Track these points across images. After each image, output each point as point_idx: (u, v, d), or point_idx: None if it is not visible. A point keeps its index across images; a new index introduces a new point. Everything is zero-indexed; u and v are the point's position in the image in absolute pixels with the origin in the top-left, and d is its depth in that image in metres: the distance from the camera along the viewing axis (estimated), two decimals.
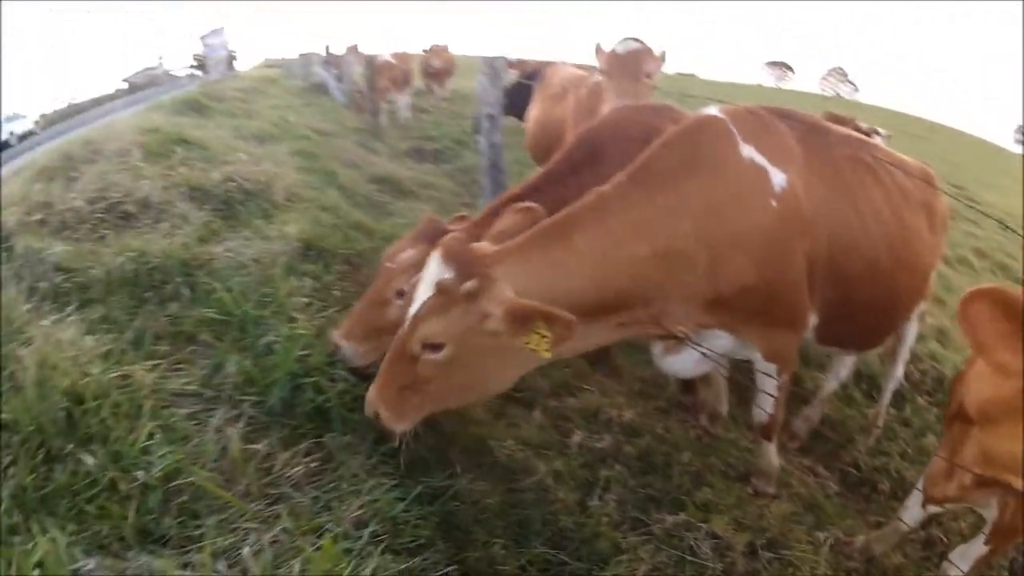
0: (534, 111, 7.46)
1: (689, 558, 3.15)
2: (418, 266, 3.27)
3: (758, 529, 3.39)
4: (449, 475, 3.29)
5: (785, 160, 3.15)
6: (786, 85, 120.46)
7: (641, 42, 5.25)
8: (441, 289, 2.74)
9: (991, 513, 3.01)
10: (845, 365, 4.63)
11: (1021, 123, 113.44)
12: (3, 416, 3.03)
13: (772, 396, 3.47)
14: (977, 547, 3.13)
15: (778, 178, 3.08)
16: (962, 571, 3.15)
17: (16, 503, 2.68)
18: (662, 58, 5.24)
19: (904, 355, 4.56)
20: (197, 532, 2.73)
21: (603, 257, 2.86)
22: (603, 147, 3.89)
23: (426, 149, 12.90)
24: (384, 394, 2.88)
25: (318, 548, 2.62)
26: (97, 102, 36.25)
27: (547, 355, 2.72)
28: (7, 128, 29.18)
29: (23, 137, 29.73)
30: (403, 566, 2.64)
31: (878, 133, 12.06)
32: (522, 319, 2.67)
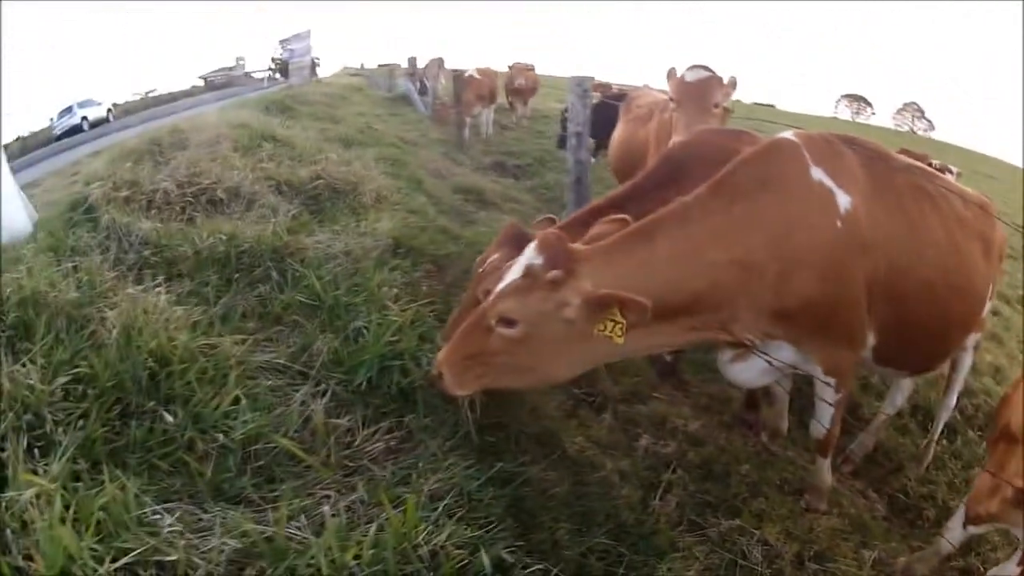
0: (619, 132, 7.58)
1: (740, 562, 3.26)
2: (503, 267, 3.45)
3: (807, 541, 3.48)
4: (521, 463, 3.41)
5: (850, 184, 3.28)
6: (862, 119, 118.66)
7: (710, 70, 5.34)
8: (528, 272, 2.92)
9: None
10: (901, 392, 4.68)
11: None
12: (81, 371, 3.22)
13: (829, 411, 3.57)
14: (1010, 569, 3.23)
15: (844, 200, 3.22)
16: None
17: (82, 453, 2.85)
18: (732, 84, 5.32)
19: (958, 386, 4.59)
20: (272, 494, 2.89)
21: (681, 260, 3.02)
22: (685, 167, 4.01)
23: (508, 164, 13.09)
24: (452, 358, 3.03)
25: (401, 509, 2.72)
26: (173, 97, 36.88)
27: (620, 340, 2.86)
28: (80, 113, 29.81)
29: (95, 124, 30.35)
30: (474, 534, 2.75)
31: (950, 171, 12.16)
32: (599, 304, 2.83)
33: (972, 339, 4.26)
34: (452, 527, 2.72)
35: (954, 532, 3.41)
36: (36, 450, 2.80)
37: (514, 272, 3.01)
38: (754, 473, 3.94)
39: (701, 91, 5.23)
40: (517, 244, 3.54)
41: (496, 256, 3.75)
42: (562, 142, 12.42)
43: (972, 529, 3.31)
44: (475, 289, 3.73)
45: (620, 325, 2.85)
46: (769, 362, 3.33)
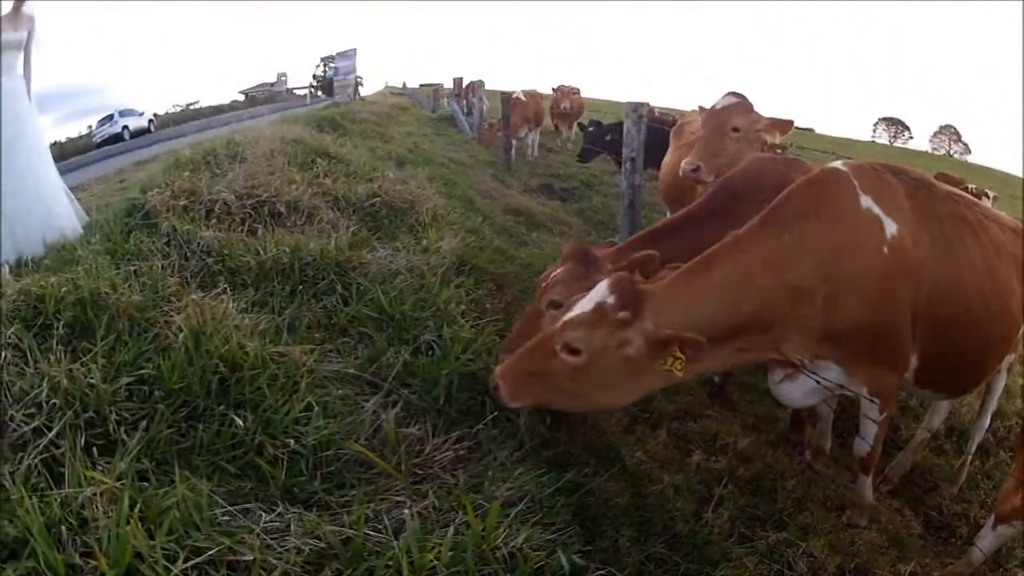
0: (670, 157, 7.70)
1: (787, 572, 3.40)
2: (565, 281, 3.76)
3: (848, 554, 3.60)
4: (584, 474, 3.55)
5: (897, 212, 3.43)
6: (899, 143, 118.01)
7: (739, 96, 5.46)
8: (599, 308, 3.14)
9: None
10: (939, 414, 4.77)
11: None
12: (145, 372, 3.31)
13: (873, 429, 3.71)
14: None
15: (891, 228, 3.37)
16: None
17: (146, 453, 2.94)
18: (779, 125, 5.38)
19: (992, 406, 4.66)
20: (343, 499, 2.99)
21: (735, 286, 3.20)
22: (739, 194, 4.20)
23: (555, 187, 13.33)
24: (511, 372, 3.26)
25: (481, 512, 2.85)
26: (217, 110, 37.24)
27: (680, 374, 3.10)
28: (122, 122, 30.07)
29: (136, 134, 30.60)
30: (548, 537, 2.86)
31: (987, 195, 12.38)
32: (660, 344, 3.06)
33: (1007, 361, 4.35)
34: (528, 531, 2.84)
35: (985, 539, 3.56)
36: (95, 448, 2.88)
37: (586, 305, 3.21)
38: (799, 489, 4.08)
39: (721, 116, 5.38)
40: (581, 261, 3.84)
41: (560, 270, 3.94)
42: (584, 155, 12.57)
43: (1001, 530, 3.45)
44: (539, 301, 3.93)
45: (680, 360, 3.07)
46: (817, 382, 3.48)
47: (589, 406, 3.54)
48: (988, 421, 4.71)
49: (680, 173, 5.42)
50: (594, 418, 4.10)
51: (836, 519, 3.94)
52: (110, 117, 29.71)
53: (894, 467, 4.67)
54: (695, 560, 3.30)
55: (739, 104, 5.40)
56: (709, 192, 4.48)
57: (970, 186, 13.38)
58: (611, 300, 3.15)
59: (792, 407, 4.38)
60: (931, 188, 3.76)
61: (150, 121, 33.18)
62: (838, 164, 3.57)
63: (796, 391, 3.66)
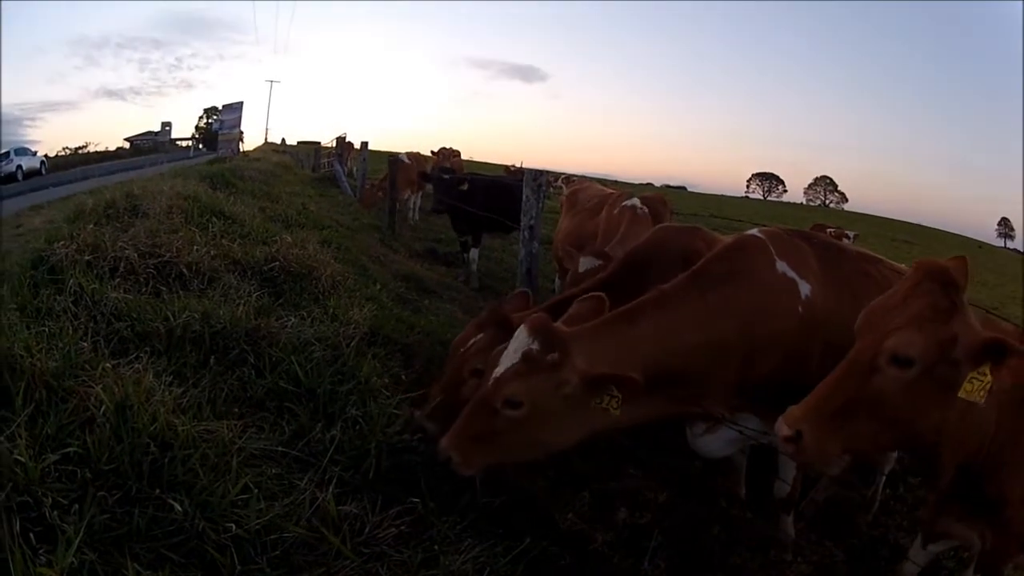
0: (566, 223, 8.15)
1: None
2: (489, 349, 3.82)
3: None
4: (527, 540, 3.55)
5: (809, 274, 3.75)
6: (773, 197, 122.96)
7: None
8: (527, 357, 3.28)
9: (976, 546, 3.44)
10: None
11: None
12: (71, 450, 3.09)
13: (792, 471, 4.04)
14: None
15: (804, 288, 3.69)
16: None
17: (87, 543, 2.73)
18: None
19: None
20: None
21: (661, 339, 3.43)
22: (646, 262, 4.50)
23: (438, 251, 13.47)
24: (458, 442, 3.36)
25: None
26: (102, 156, 36.71)
27: (616, 413, 3.25)
28: (16, 161, 29.53)
29: (28, 175, 30.34)
30: None
31: (847, 236, 13.91)
32: (596, 382, 3.21)
33: None
34: None
35: (918, 555, 3.78)
36: (32, 535, 2.65)
37: (511, 357, 3.34)
38: (723, 534, 4.27)
39: None
40: (502, 327, 3.94)
41: (482, 337, 4.07)
42: (440, 206, 12.57)
43: (931, 547, 3.70)
44: (461, 369, 4.04)
45: (616, 399, 3.22)
46: (741, 431, 3.74)
47: (542, 452, 3.64)
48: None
49: None
50: (521, 484, 4.17)
51: (764, 557, 4.16)
52: (7, 154, 30.32)
53: (807, 504, 4.88)
54: None
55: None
56: (618, 261, 4.77)
57: (829, 228, 14.49)
58: (536, 345, 3.28)
59: (711, 458, 4.52)
60: (837, 249, 4.10)
61: (42, 163, 32.56)
62: (755, 231, 3.86)
63: (715, 443, 3.95)
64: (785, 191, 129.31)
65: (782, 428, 2.97)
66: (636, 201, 7.16)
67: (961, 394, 2.86)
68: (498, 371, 3.38)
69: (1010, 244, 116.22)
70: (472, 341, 4.13)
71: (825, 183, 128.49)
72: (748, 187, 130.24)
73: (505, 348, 3.48)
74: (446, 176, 12.91)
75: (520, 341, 3.39)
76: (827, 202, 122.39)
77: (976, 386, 2.84)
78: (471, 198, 11.21)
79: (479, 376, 3.83)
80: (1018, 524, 3.22)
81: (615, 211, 7.11)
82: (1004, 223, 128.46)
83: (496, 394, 3.32)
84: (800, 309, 3.67)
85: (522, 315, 4.06)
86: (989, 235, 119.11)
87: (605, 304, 3.78)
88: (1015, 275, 35.41)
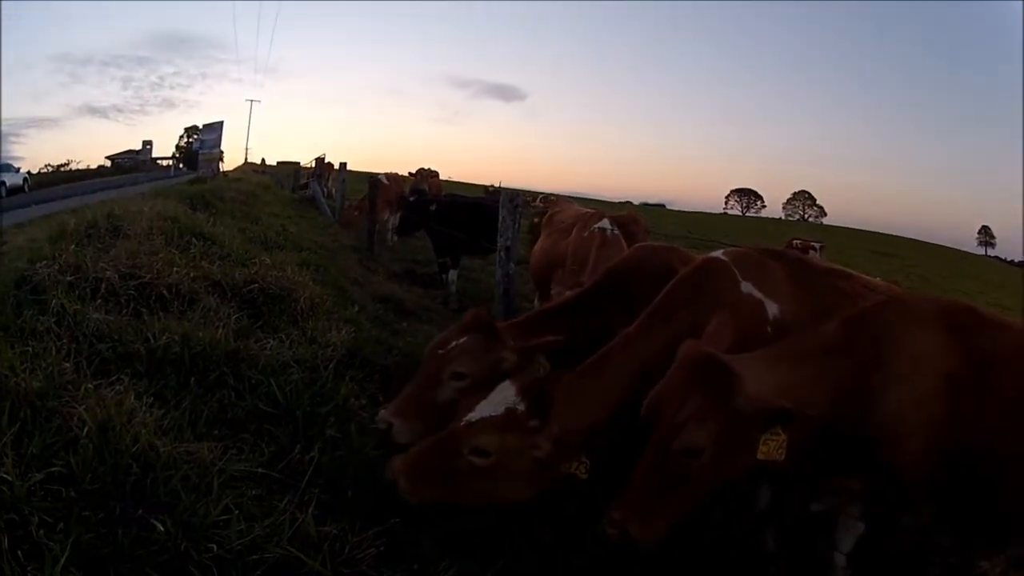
0: (542, 242, 8.13)
1: None
2: (469, 353, 3.98)
3: None
4: (508, 559, 3.63)
5: (778, 293, 3.75)
6: (752, 213, 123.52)
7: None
8: (510, 415, 3.34)
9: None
10: None
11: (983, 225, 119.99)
12: (56, 469, 3.18)
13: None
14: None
15: (773, 308, 3.70)
16: None
17: (73, 562, 2.80)
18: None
19: None
20: None
21: (633, 385, 3.43)
22: (626, 281, 4.46)
23: (416, 272, 13.33)
24: (412, 468, 3.41)
25: None
26: (84, 174, 36.39)
27: (584, 477, 3.35)
28: (0, 177, 29.26)
29: (11, 191, 30.26)
30: None
31: (813, 248, 14.28)
32: (566, 448, 3.32)
33: None
34: None
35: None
36: (19, 552, 2.74)
37: (494, 408, 3.40)
38: None
39: None
40: (484, 332, 4.07)
41: (464, 340, 4.12)
42: (404, 226, 12.60)
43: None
44: (439, 370, 4.08)
45: (584, 465, 3.33)
46: None
47: (493, 501, 3.60)
48: None
49: None
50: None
51: None
52: None
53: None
54: None
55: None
56: (597, 277, 4.75)
57: (795, 240, 14.70)
58: (522, 407, 3.34)
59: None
60: (809, 266, 4.13)
61: (25, 180, 32.25)
62: (718, 253, 3.89)
63: None
64: (764, 206, 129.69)
65: (610, 532, 3.06)
66: (606, 223, 7.14)
67: (760, 456, 3.00)
68: (473, 415, 3.45)
69: (991, 252, 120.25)
70: (454, 343, 4.16)
71: (803, 197, 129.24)
72: (727, 203, 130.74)
73: (486, 394, 3.54)
74: (411, 199, 13.20)
75: (507, 395, 3.45)
76: (806, 216, 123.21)
77: (772, 446, 2.99)
78: (449, 219, 11.32)
79: (460, 379, 3.96)
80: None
81: (584, 234, 7.12)
82: (984, 231, 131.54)
83: (466, 439, 3.38)
84: (769, 329, 3.66)
85: (505, 324, 4.33)
86: (970, 244, 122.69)
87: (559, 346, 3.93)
88: (998, 283, 35.92)
